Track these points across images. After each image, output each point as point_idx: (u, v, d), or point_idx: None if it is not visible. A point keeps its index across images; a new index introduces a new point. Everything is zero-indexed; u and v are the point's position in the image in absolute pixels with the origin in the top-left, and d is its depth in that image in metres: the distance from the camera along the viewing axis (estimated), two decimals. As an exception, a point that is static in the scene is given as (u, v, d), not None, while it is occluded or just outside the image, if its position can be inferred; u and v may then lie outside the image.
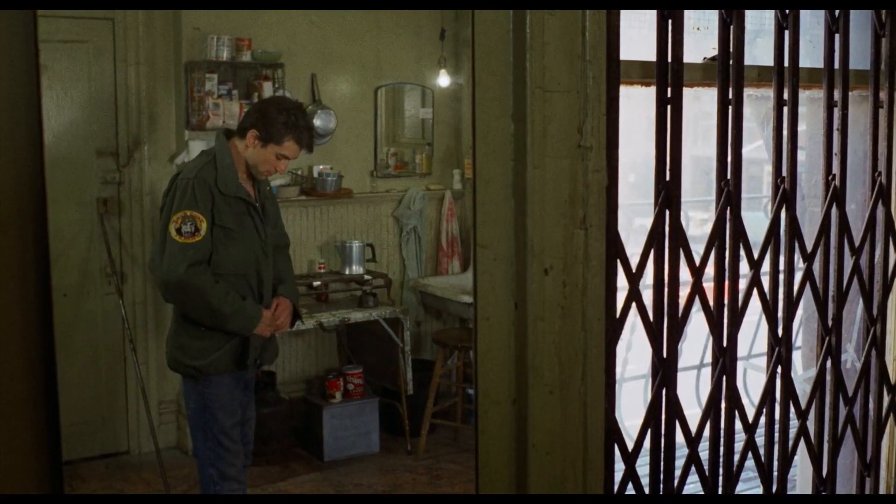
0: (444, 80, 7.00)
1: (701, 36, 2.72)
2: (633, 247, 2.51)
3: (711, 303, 2.59)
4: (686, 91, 2.46)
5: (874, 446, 3.00)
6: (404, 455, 6.18)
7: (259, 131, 3.96)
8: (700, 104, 2.94)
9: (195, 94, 5.94)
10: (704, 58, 2.62)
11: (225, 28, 6.03)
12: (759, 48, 2.86)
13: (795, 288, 2.76)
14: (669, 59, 2.40)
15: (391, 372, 6.31)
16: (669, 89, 2.41)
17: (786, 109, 2.66)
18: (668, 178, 2.43)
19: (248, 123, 4.02)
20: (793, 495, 3.15)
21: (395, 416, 6.33)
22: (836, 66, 2.76)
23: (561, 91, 2.17)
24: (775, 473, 2.81)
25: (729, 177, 2.56)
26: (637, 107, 2.55)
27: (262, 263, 4.05)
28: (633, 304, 2.40)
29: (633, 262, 2.40)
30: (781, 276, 2.73)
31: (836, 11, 2.74)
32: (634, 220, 6.33)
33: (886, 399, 3.02)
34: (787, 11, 2.62)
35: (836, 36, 2.75)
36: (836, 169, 2.80)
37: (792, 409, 2.81)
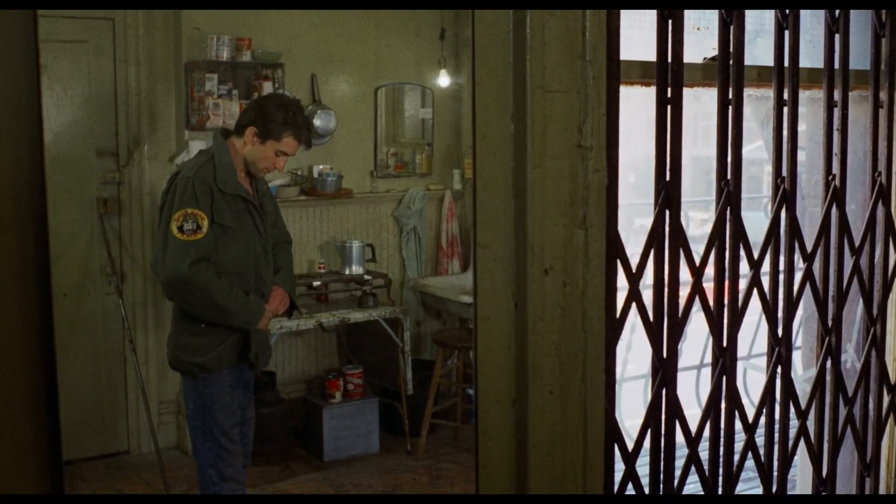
0: (444, 80, 7.00)
1: (701, 36, 2.72)
2: (634, 247, 2.51)
3: (711, 303, 2.58)
4: (686, 91, 2.46)
5: (874, 446, 3.00)
6: (404, 455, 6.18)
7: (258, 128, 3.96)
8: (700, 104, 2.94)
9: (195, 94, 5.93)
10: (704, 58, 2.62)
11: (225, 28, 6.03)
12: (760, 48, 2.86)
13: (795, 288, 2.76)
14: (669, 60, 2.40)
15: (391, 372, 6.31)
16: (669, 89, 2.41)
17: (786, 109, 2.66)
18: (668, 178, 2.43)
19: (247, 121, 4.02)
20: (793, 495, 3.15)
21: (395, 416, 6.33)
22: (836, 66, 2.76)
23: (561, 91, 2.17)
24: (775, 473, 2.81)
25: (729, 177, 2.56)
26: (637, 107, 2.55)
27: (262, 261, 4.05)
28: (633, 304, 2.40)
29: (633, 262, 2.40)
30: (781, 276, 2.73)
31: (836, 11, 2.74)
32: (634, 220, 6.33)
33: (886, 399, 3.02)
34: (787, 11, 2.62)
35: (836, 36, 2.75)
36: (836, 169, 2.80)
37: (792, 410, 2.81)
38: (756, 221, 3.08)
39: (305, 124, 4.11)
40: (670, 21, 2.39)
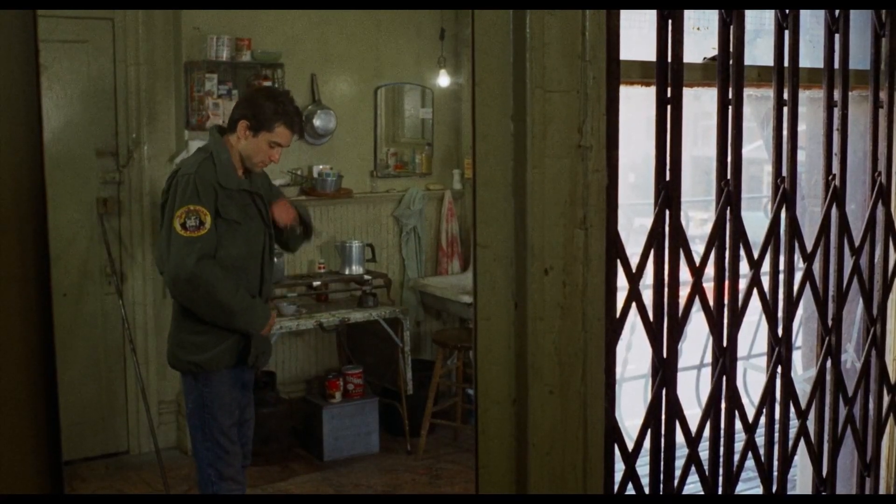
0: (443, 79, 7.00)
1: (701, 36, 2.72)
2: (634, 247, 2.51)
3: (711, 303, 2.58)
4: (686, 91, 2.46)
5: (874, 446, 3.00)
6: (404, 455, 6.18)
7: (249, 121, 3.95)
8: (700, 104, 2.94)
9: (195, 94, 5.94)
10: (704, 58, 2.62)
11: (225, 28, 6.03)
12: (759, 48, 2.85)
13: (795, 288, 2.76)
14: (669, 59, 2.40)
15: (391, 372, 6.31)
16: (669, 89, 2.41)
17: (786, 109, 2.66)
18: (667, 178, 2.43)
19: (238, 115, 4.01)
20: (793, 495, 3.15)
21: (394, 416, 6.33)
22: (836, 66, 2.76)
23: (561, 91, 2.17)
24: (775, 473, 2.81)
25: (729, 177, 2.56)
26: (637, 107, 2.55)
27: (266, 254, 4.06)
28: (633, 304, 2.40)
29: (633, 262, 2.40)
30: (781, 276, 2.73)
31: (836, 11, 2.74)
32: (634, 220, 6.33)
33: (886, 399, 3.02)
34: (787, 11, 2.62)
35: (836, 36, 2.75)
36: (836, 169, 2.80)
37: (792, 409, 2.81)
38: (756, 221, 3.08)
39: (297, 113, 4.10)
40: (670, 21, 2.39)
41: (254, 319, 3.97)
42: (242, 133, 3.96)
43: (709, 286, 2.57)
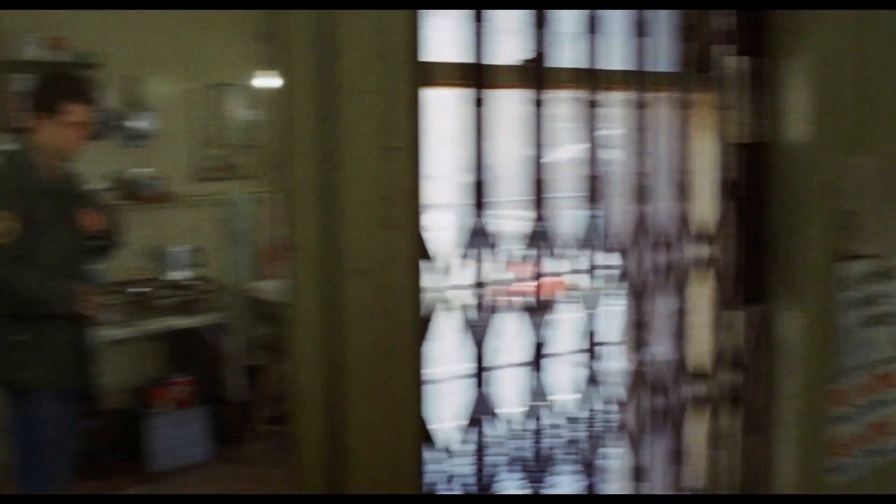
0: (268, 80, 6.94)
1: (514, 38, 2.75)
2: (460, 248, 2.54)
3: (526, 301, 2.63)
4: (506, 92, 2.49)
5: (683, 435, 3.10)
6: (235, 463, 6.09)
7: (39, 111, 3.89)
8: (520, 105, 2.99)
9: (7, 96, 5.74)
10: (518, 59, 2.65)
11: (38, 26, 5.85)
12: (577, 50, 2.91)
13: (609, 284, 2.83)
14: (478, 61, 2.42)
15: (219, 379, 6.22)
16: (480, 90, 2.44)
17: (597, 110, 2.73)
18: (477, 178, 2.46)
19: (28, 108, 3.95)
20: (611, 495, 3.23)
21: (225, 424, 6.24)
22: (646, 68, 2.84)
23: (369, 92, 2.17)
24: (593, 465, 2.87)
25: (542, 177, 2.61)
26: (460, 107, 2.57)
27: (77, 248, 3.98)
28: (447, 304, 2.42)
29: (450, 262, 2.42)
30: (595, 273, 2.79)
31: (645, 14, 2.81)
32: (460, 220, 6.40)
33: (691, 390, 3.13)
34: (596, 14, 2.68)
35: (644, 39, 2.83)
36: (644, 168, 2.89)
37: (609, 403, 2.88)
38: (574, 220, 3.14)
39: (79, 84, 4.02)
40: (480, 23, 2.41)
41: (66, 298, 3.93)
42: (38, 125, 3.88)
43: (524, 285, 2.62)
